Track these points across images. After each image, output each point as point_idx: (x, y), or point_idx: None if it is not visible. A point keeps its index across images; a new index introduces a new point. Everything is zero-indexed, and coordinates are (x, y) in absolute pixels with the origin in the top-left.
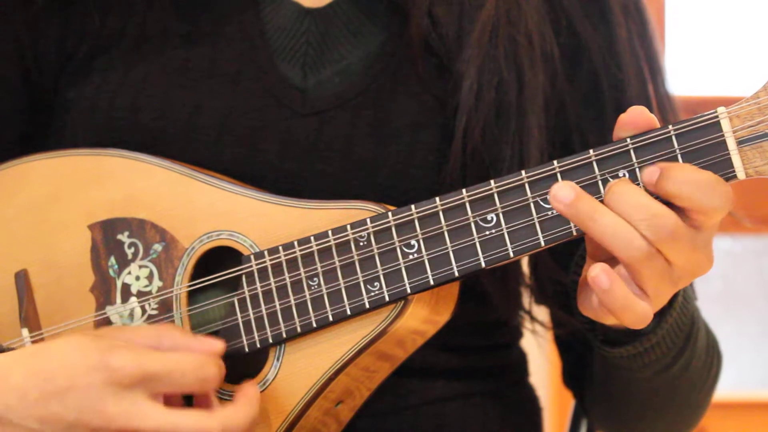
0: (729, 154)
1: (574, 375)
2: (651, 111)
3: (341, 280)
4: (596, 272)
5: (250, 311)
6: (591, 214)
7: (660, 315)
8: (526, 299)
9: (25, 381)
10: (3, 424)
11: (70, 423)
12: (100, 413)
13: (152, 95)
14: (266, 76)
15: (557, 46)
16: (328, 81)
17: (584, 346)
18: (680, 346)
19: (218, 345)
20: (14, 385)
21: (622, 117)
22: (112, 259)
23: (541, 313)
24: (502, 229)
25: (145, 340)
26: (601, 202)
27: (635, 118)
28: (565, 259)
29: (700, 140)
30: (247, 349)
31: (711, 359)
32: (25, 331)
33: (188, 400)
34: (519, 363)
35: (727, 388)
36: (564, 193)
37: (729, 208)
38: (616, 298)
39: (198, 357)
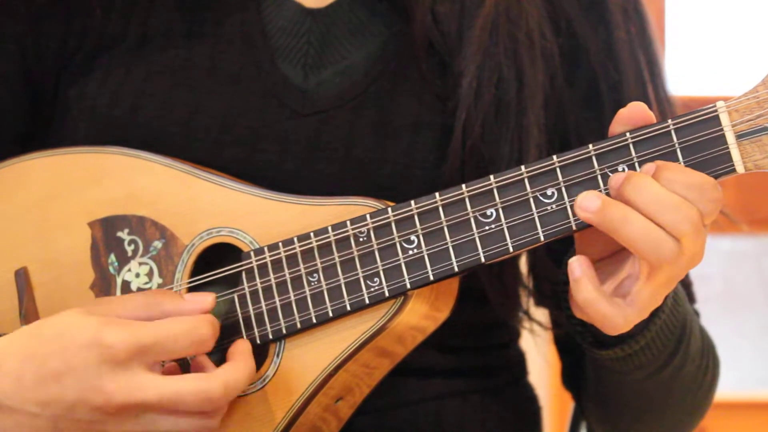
0: (728, 148)
1: (572, 376)
2: None
3: (341, 276)
4: (572, 260)
5: (250, 307)
6: (622, 219)
7: (648, 317)
8: (524, 299)
9: (19, 365)
10: (2, 411)
11: (71, 404)
12: (99, 391)
13: (153, 94)
14: (267, 76)
15: (557, 47)
16: (328, 81)
17: (583, 348)
18: (671, 349)
19: (208, 300)
20: (9, 371)
21: (621, 112)
22: (112, 257)
23: (539, 313)
24: (501, 224)
25: (136, 311)
26: (608, 195)
27: (634, 113)
28: (562, 258)
29: (700, 134)
30: None
31: (706, 363)
32: None
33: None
34: (517, 362)
35: (727, 388)
36: (589, 203)
37: (717, 211)
38: (581, 290)
39: (189, 320)
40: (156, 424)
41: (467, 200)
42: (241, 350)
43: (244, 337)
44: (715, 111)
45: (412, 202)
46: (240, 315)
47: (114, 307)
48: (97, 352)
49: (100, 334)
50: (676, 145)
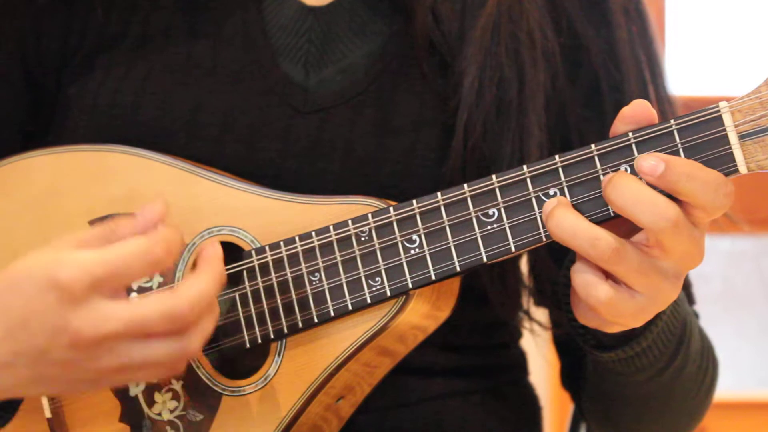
0: (731, 148)
1: (571, 377)
2: None
3: (342, 275)
4: (603, 291)
5: (252, 306)
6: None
7: (650, 319)
8: (525, 299)
9: None
10: None
11: (42, 348)
12: (66, 330)
13: (154, 93)
14: (268, 74)
15: (558, 47)
16: (330, 79)
17: (582, 349)
18: (672, 351)
19: (157, 207)
20: None
21: (625, 110)
22: None
23: (539, 313)
24: (503, 224)
25: (93, 241)
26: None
27: (637, 112)
28: (563, 258)
29: (702, 135)
30: (248, 345)
31: (706, 363)
32: None
33: None
34: (518, 362)
35: (727, 388)
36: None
37: (730, 204)
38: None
39: (141, 243)
40: (130, 352)
41: (469, 200)
42: (207, 256)
43: (245, 337)
44: (718, 111)
45: (414, 201)
46: (241, 314)
47: (69, 239)
48: (56, 294)
49: (54, 275)
50: (679, 145)
